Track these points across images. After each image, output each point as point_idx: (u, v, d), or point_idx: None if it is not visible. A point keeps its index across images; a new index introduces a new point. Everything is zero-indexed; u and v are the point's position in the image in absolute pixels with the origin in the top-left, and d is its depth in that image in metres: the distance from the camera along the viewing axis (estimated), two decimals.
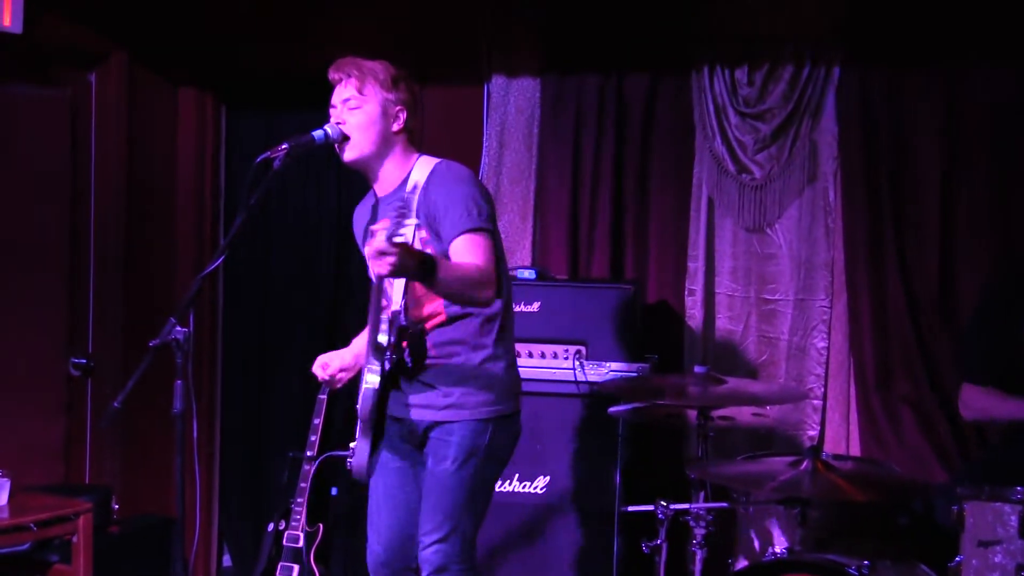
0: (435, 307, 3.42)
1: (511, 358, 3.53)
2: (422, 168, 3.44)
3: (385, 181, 3.49)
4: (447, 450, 3.39)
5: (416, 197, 3.35)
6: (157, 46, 5.29)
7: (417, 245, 3.30)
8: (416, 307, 3.42)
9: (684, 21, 5.01)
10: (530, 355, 4.60)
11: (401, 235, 2.91)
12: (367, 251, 2.98)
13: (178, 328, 3.05)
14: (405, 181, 3.44)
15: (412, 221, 2.92)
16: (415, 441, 3.49)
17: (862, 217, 4.81)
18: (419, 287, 3.33)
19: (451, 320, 3.41)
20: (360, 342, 3.67)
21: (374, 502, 3.58)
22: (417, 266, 3.03)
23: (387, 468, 3.55)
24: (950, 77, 4.74)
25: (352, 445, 3.48)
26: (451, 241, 3.30)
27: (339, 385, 3.69)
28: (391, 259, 2.93)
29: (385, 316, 3.39)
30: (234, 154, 5.70)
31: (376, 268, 2.99)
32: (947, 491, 3.62)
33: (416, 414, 3.44)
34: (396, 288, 3.42)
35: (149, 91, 5.34)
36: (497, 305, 3.43)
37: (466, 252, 3.27)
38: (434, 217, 3.33)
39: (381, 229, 2.91)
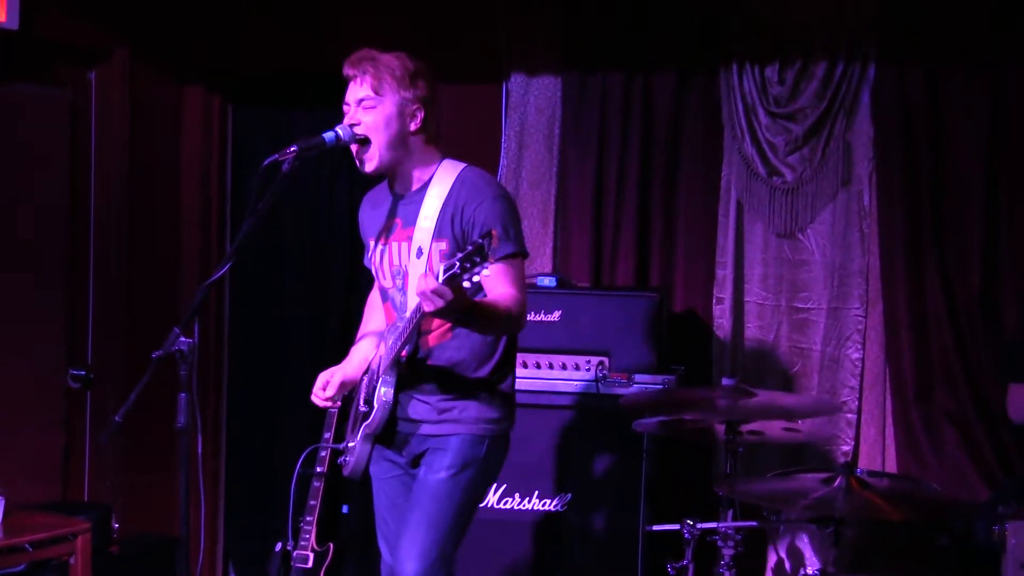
0: (446, 326, 3.45)
1: (512, 373, 3.57)
2: (446, 173, 3.46)
3: (404, 181, 3.50)
4: (442, 460, 3.43)
5: (439, 205, 3.38)
6: (161, 42, 5.33)
7: (435, 258, 3.36)
8: (427, 320, 3.44)
9: (712, 16, 5.02)
10: (551, 366, 4.62)
11: (465, 281, 2.92)
12: (418, 286, 3.00)
13: (182, 339, 3.07)
14: (427, 184, 3.46)
15: (486, 271, 2.93)
16: (410, 452, 3.53)
17: (899, 221, 4.82)
18: None
19: (455, 335, 3.44)
20: (360, 352, 3.70)
21: (380, 514, 3.65)
22: (464, 313, 3.08)
23: (385, 478, 3.61)
24: (993, 73, 4.73)
25: (351, 444, 3.55)
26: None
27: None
28: (441, 303, 2.97)
29: (402, 329, 3.43)
30: (242, 154, 5.71)
31: (423, 305, 3.02)
32: (988, 510, 3.62)
33: (416, 426, 3.49)
34: (412, 299, 3.44)
35: (152, 89, 5.37)
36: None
37: (503, 282, 3.32)
38: (465, 233, 3.36)
39: (441, 272, 2.94)
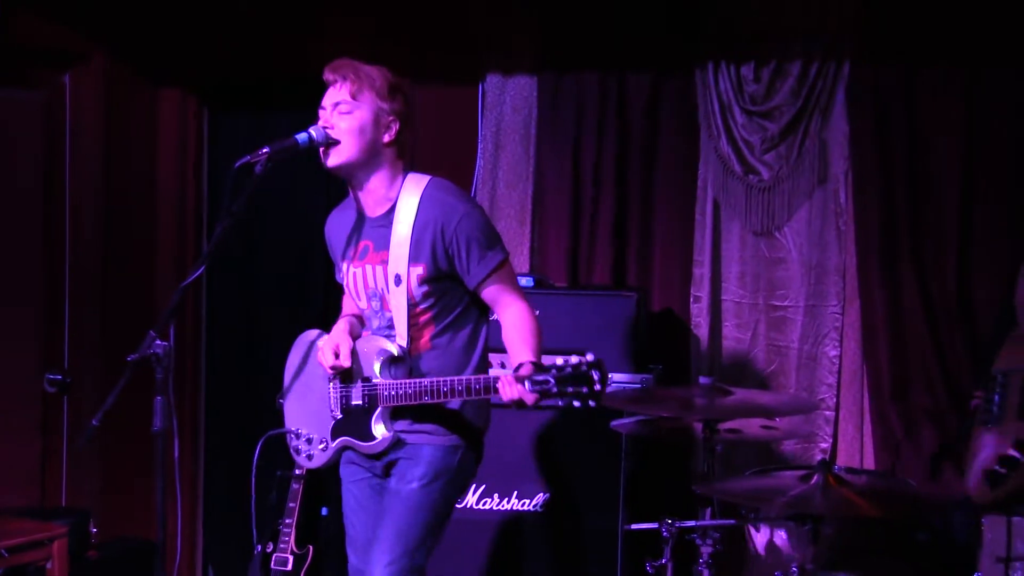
0: (425, 338, 3.46)
1: None
2: (411, 192, 3.45)
3: (371, 198, 3.49)
4: (414, 471, 3.43)
5: (410, 227, 3.39)
6: (137, 46, 5.31)
7: (414, 282, 3.38)
8: (415, 328, 3.46)
9: (688, 15, 5.03)
10: None
11: (559, 402, 3.02)
12: (510, 393, 3.11)
13: (158, 342, 3.08)
14: (395, 205, 3.45)
15: (591, 405, 3.00)
16: (383, 459, 3.52)
17: (875, 219, 4.84)
18: (422, 320, 3.42)
19: (434, 347, 3.45)
20: (345, 325, 3.67)
21: (348, 517, 3.64)
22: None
23: (354, 481, 3.61)
24: (969, 74, 4.76)
25: (321, 445, 3.57)
26: (480, 285, 3.39)
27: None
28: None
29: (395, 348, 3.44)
30: (219, 158, 5.70)
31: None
32: (965, 505, 3.64)
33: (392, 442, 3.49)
34: (399, 319, 3.44)
35: (128, 92, 5.35)
36: (482, 331, 3.51)
37: (508, 295, 3.40)
38: (444, 254, 3.37)
39: (529, 383, 3.03)
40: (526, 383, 3.03)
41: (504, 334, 3.38)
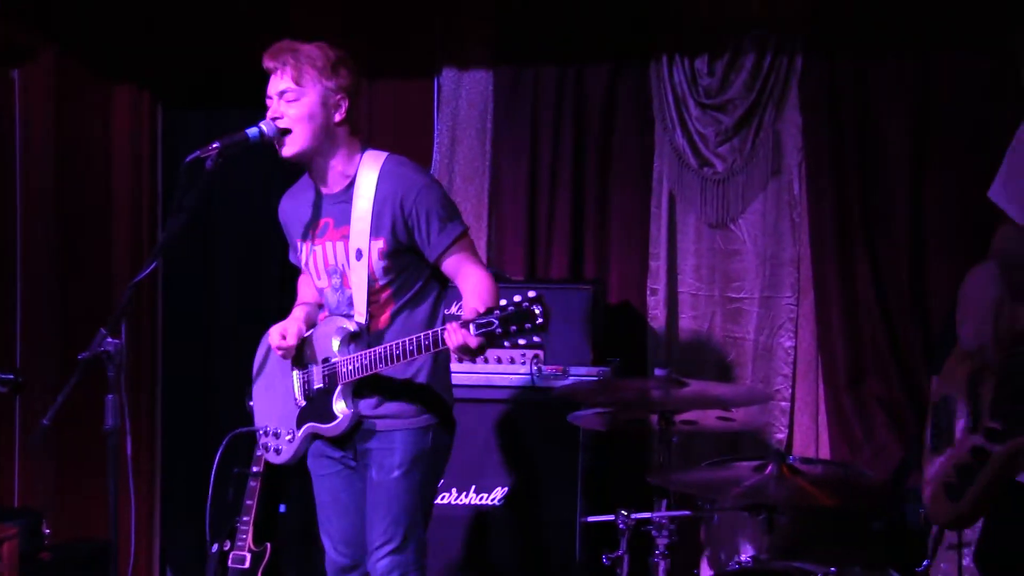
0: (386, 315, 3.45)
1: (447, 361, 3.57)
2: (370, 167, 3.44)
3: (330, 178, 3.48)
4: (392, 459, 3.44)
5: (371, 202, 3.38)
6: (89, 41, 5.24)
7: (375, 257, 3.38)
8: (374, 304, 3.45)
9: (643, 9, 5.04)
10: (486, 360, 4.60)
11: (505, 343, 3.03)
12: (454, 340, 3.13)
13: (109, 339, 3.05)
14: (353, 181, 3.45)
15: (536, 340, 3.03)
16: (353, 445, 3.53)
17: (829, 211, 4.86)
18: (382, 297, 3.43)
19: (394, 323, 3.45)
20: (300, 312, 3.69)
21: (322, 510, 3.64)
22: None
23: (326, 475, 3.61)
24: (919, 66, 4.79)
25: (287, 437, 3.58)
26: (440, 256, 3.40)
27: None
28: (474, 356, 3.16)
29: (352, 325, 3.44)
30: (174, 154, 5.65)
31: (455, 354, 3.17)
32: (917, 494, 3.67)
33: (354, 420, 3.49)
34: (359, 296, 3.44)
35: (80, 89, 5.28)
36: (441, 307, 3.52)
37: (468, 266, 3.40)
38: (403, 227, 3.37)
39: (473, 327, 3.03)
40: (470, 327, 3.03)
41: (463, 299, 3.37)
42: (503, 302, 3.02)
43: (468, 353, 3.14)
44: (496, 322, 2.99)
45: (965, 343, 2.69)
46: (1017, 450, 2.41)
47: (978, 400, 2.58)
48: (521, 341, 3.00)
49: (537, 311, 2.97)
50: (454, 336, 3.12)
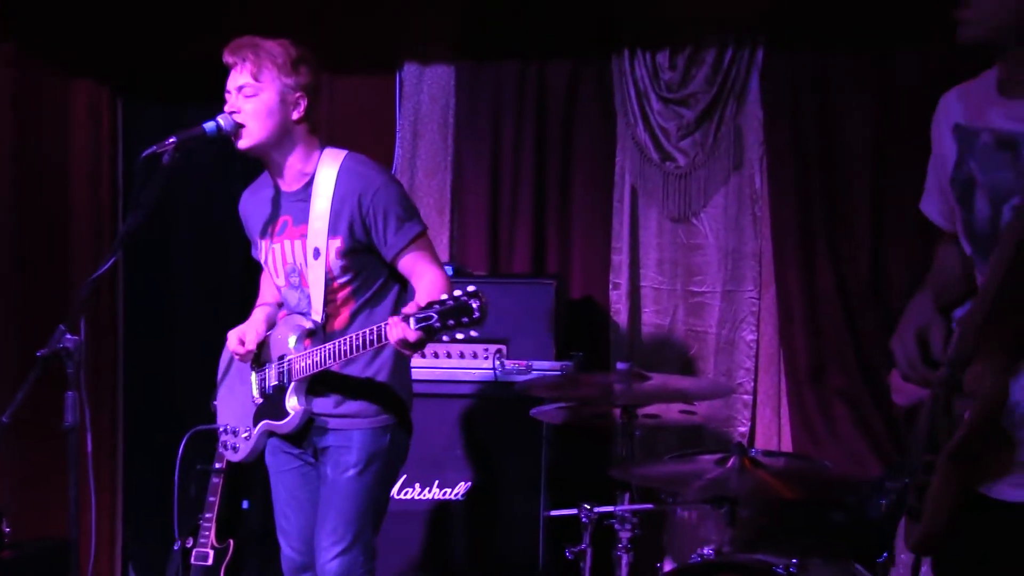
0: (345, 314, 3.45)
1: (407, 361, 3.57)
2: (328, 165, 3.43)
3: (288, 175, 3.48)
4: (348, 457, 3.44)
5: (329, 201, 3.38)
6: (48, 35, 5.18)
7: (332, 255, 3.37)
8: (331, 305, 3.45)
9: (605, 3, 5.04)
10: (448, 355, 4.61)
11: (444, 337, 3.02)
12: (394, 334, 3.12)
13: (68, 336, 3.04)
14: (312, 179, 3.44)
15: (473, 334, 3.00)
16: (311, 444, 3.53)
17: (790, 205, 4.89)
18: (340, 296, 3.42)
19: (354, 323, 3.44)
20: (260, 314, 3.68)
21: (280, 508, 3.64)
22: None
23: (284, 471, 3.61)
24: (879, 61, 4.82)
25: (244, 434, 3.59)
26: (397, 256, 3.39)
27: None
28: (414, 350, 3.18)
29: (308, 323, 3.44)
30: (133, 149, 5.61)
31: (398, 348, 3.18)
32: (877, 485, 3.69)
33: (315, 419, 3.50)
34: (316, 295, 3.43)
35: (39, 83, 5.23)
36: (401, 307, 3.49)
37: (424, 266, 3.40)
38: (361, 225, 3.37)
39: (413, 321, 3.02)
40: (411, 320, 3.03)
41: (415, 298, 3.35)
42: (443, 296, 3.02)
43: (408, 347, 3.14)
44: (435, 316, 2.99)
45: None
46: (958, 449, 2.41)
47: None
48: (459, 335, 2.98)
49: (474, 305, 2.96)
50: (395, 330, 3.12)
